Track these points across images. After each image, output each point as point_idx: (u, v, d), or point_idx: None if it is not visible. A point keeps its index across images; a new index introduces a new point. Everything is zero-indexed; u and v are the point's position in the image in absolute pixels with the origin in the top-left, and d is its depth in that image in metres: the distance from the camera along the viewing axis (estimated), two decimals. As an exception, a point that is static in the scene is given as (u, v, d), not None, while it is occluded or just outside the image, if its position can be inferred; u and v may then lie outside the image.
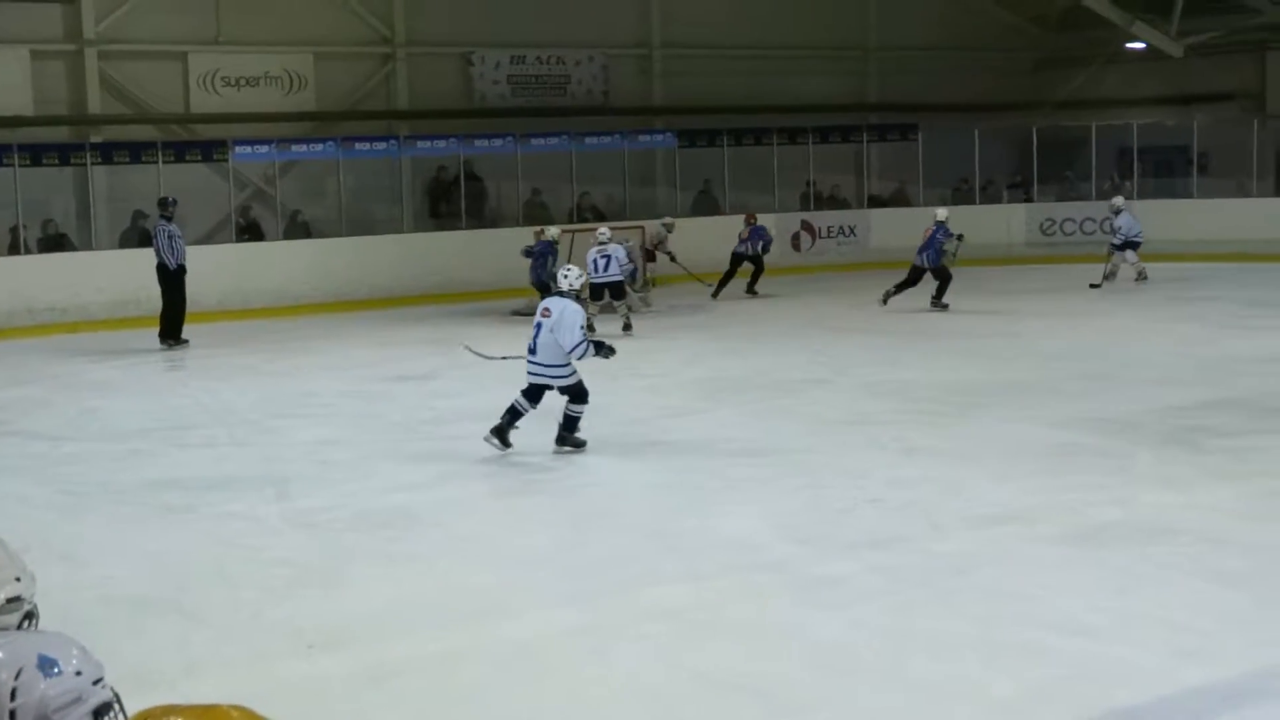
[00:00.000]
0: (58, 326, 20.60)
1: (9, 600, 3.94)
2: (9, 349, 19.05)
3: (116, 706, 3.38)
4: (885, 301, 20.47)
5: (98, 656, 3.42)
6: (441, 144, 25.49)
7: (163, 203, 19.02)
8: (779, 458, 11.39)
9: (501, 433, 11.55)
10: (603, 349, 11.79)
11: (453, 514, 9.98)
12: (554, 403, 11.76)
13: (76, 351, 18.63)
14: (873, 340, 18.14)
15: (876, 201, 29.55)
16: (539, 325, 11.55)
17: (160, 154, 22.60)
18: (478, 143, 25.66)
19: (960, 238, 20.94)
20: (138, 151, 22.79)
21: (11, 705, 3.26)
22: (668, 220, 24.23)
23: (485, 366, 16.60)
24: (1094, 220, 28.01)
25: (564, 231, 21.70)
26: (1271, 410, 12.61)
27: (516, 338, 18.78)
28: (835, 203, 29.02)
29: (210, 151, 23.47)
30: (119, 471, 11.58)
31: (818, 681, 6.71)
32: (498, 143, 25.70)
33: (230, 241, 23.69)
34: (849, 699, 6.54)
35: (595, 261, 18.85)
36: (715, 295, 23.02)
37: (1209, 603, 7.55)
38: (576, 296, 11.83)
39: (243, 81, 25.15)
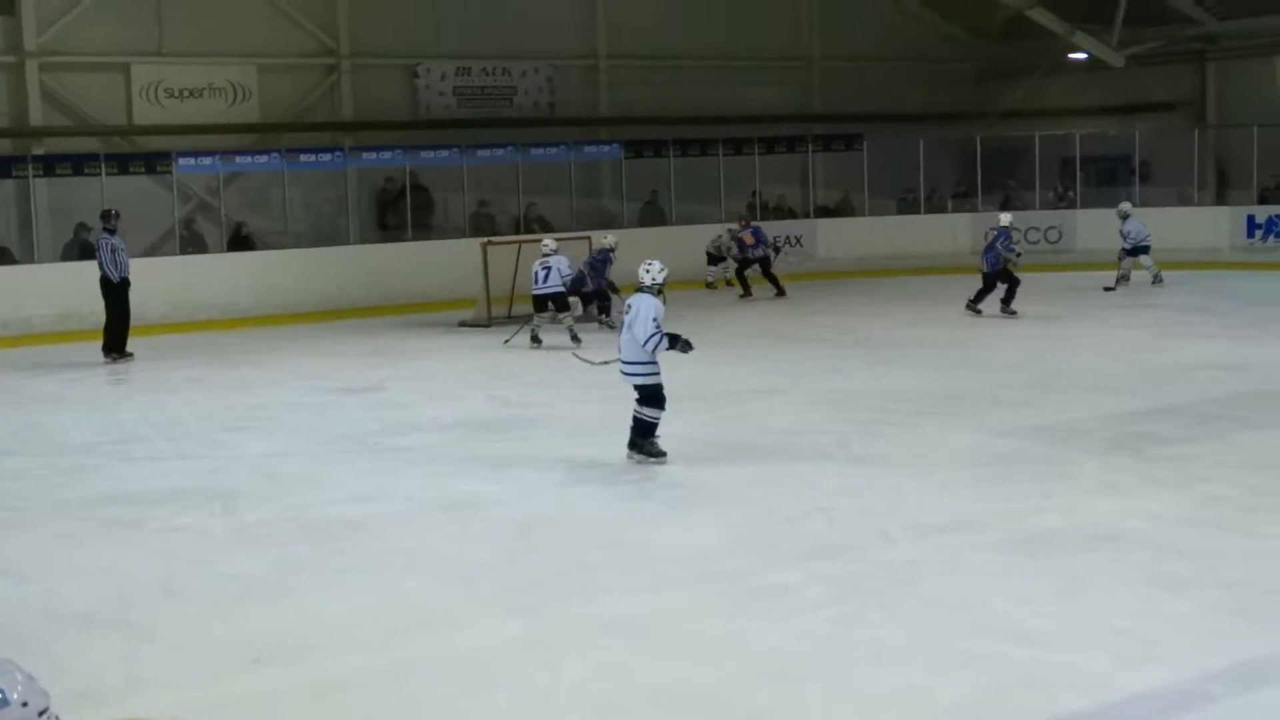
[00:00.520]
0: (0, 340, 20.42)
1: None
2: (-50, 363, 18.87)
3: None
4: (977, 311, 20.47)
5: (43, 678, 3.40)
6: (387, 155, 25.43)
7: (105, 215, 18.86)
8: (728, 468, 11.41)
9: (633, 444, 11.49)
10: (678, 342, 11.54)
11: (401, 526, 9.95)
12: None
13: (20, 365, 18.48)
14: (821, 350, 18.22)
15: (822, 211, 29.69)
16: (625, 322, 11.53)
17: (103, 166, 22.45)
18: (423, 154, 25.63)
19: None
20: (80, 164, 22.63)
21: None
22: (733, 227, 25.17)
23: (432, 379, 16.64)
24: (1038, 229, 28.23)
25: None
26: (1213, 417, 12.73)
27: (462, 349, 18.87)
28: (781, 213, 29.12)
29: (153, 163, 23.34)
30: (63, 486, 11.49)
31: (766, 691, 6.73)
32: (443, 154, 25.67)
33: (174, 254, 23.59)
34: (797, 708, 6.57)
35: (536, 273, 18.84)
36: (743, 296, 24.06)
37: (1152, 609, 7.62)
38: (658, 291, 11.67)
39: (186, 93, 25.03)
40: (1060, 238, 28.23)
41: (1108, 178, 30.25)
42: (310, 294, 23.29)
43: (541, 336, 18.58)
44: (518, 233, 24.76)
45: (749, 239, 24.41)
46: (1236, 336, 17.76)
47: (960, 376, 15.55)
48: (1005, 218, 21.50)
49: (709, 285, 25.63)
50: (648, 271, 11.75)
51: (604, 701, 6.69)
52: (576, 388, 15.67)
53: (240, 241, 24.29)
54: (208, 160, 23.87)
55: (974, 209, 29.24)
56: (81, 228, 22.42)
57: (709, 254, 25.81)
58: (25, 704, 3.30)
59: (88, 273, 19.10)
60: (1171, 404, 13.18)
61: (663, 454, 11.49)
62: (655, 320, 11.31)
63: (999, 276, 20.39)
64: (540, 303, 18.73)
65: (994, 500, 10.06)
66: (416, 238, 25.29)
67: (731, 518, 9.86)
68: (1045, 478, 10.72)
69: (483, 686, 6.90)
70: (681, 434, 12.88)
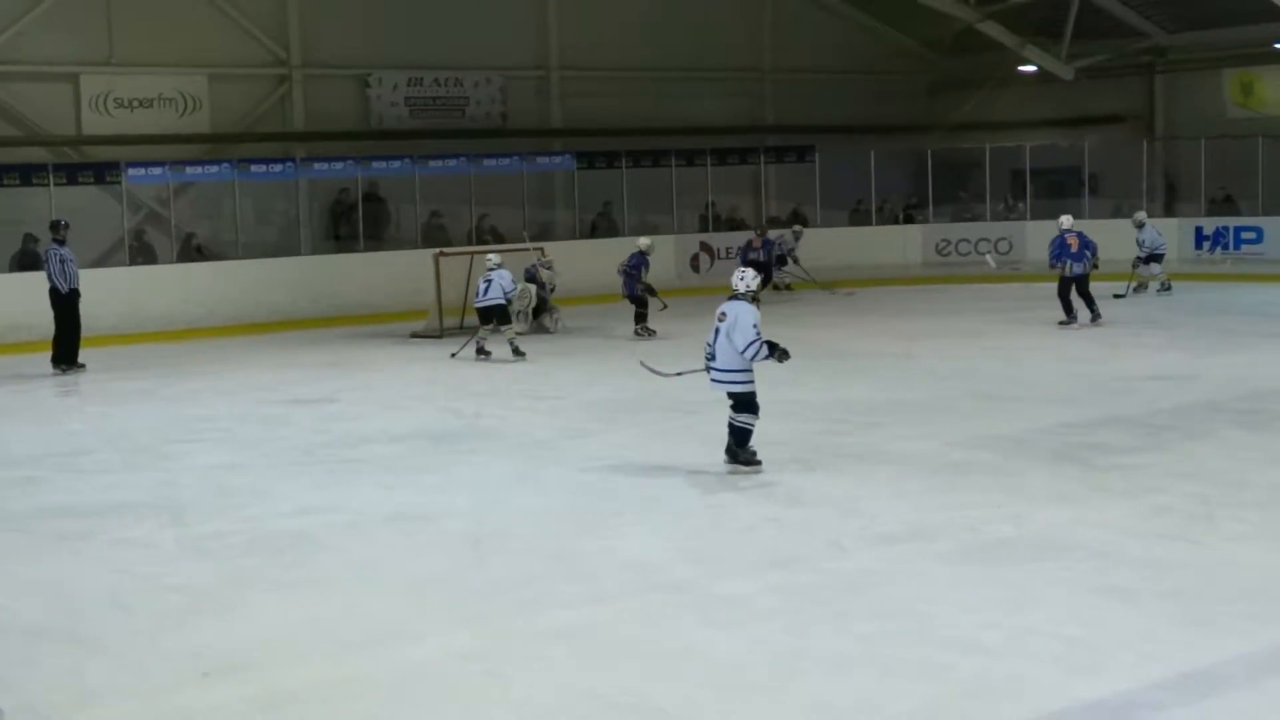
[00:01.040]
0: (-51, 351, 20.26)
1: None
2: (-104, 375, 18.68)
3: None
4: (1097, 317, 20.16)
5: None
6: (339, 166, 25.37)
7: (54, 225, 18.71)
8: (678, 478, 11.42)
9: (730, 450, 11.45)
10: (776, 350, 11.45)
11: (351, 538, 9.90)
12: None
13: (-34, 377, 18.31)
14: (770, 361, 18.18)
15: (775, 222, 29.76)
16: (716, 330, 11.41)
17: (51, 176, 22.31)
18: (375, 164, 25.59)
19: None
20: (28, 174, 22.47)
21: None
22: (797, 228, 25.99)
23: (384, 390, 16.59)
24: (989, 240, 28.41)
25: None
26: (1160, 427, 12.82)
27: (413, 361, 18.81)
28: (734, 224, 29.20)
29: (103, 173, 23.20)
30: (11, 499, 11.39)
31: (716, 701, 6.73)
32: (395, 164, 25.63)
33: (124, 264, 23.43)
34: (747, 718, 6.57)
35: (479, 286, 18.77)
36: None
37: (1100, 618, 7.66)
38: (753, 298, 11.60)
39: (136, 103, 24.91)
40: (1010, 249, 28.40)
41: (1057, 189, 30.50)
42: (261, 305, 23.19)
43: (489, 348, 18.53)
44: (470, 244, 24.74)
45: (756, 244, 25.19)
46: (1185, 348, 17.90)
47: (912, 387, 15.60)
48: (1066, 220, 20.81)
49: (788, 288, 25.90)
50: (741, 279, 11.62)
51: (553, 713, 6.67)
52: (528, 399, 15.69)
53: (191, 252, 24.18)
54: (158, 171, 23.73)
55: (925, 220, 29.40)
56: (30, 238, 22.24)
57: (779, 258, 25.96)
58: None
59: (36, 284, 18.95)
60: (1120, 415, 13.26)
61: (759, 462, 11.43)
62: (756, 327, 11.26)
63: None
64: (484, 315, 18.69)
65: (945, 510, 10.10)
66: (369, 248, 25.22)
67: (683, 528, 9.86)
68: (995, 488, 10.78)
69: (434, 699, 6.88)
70: (633, 444, 12.92)
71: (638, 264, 20.77)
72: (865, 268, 27.76)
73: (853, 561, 8.93)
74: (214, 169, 24.35)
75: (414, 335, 21.17)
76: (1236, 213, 27.69)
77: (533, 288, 20.95)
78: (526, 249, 21.90)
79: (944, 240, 28.81)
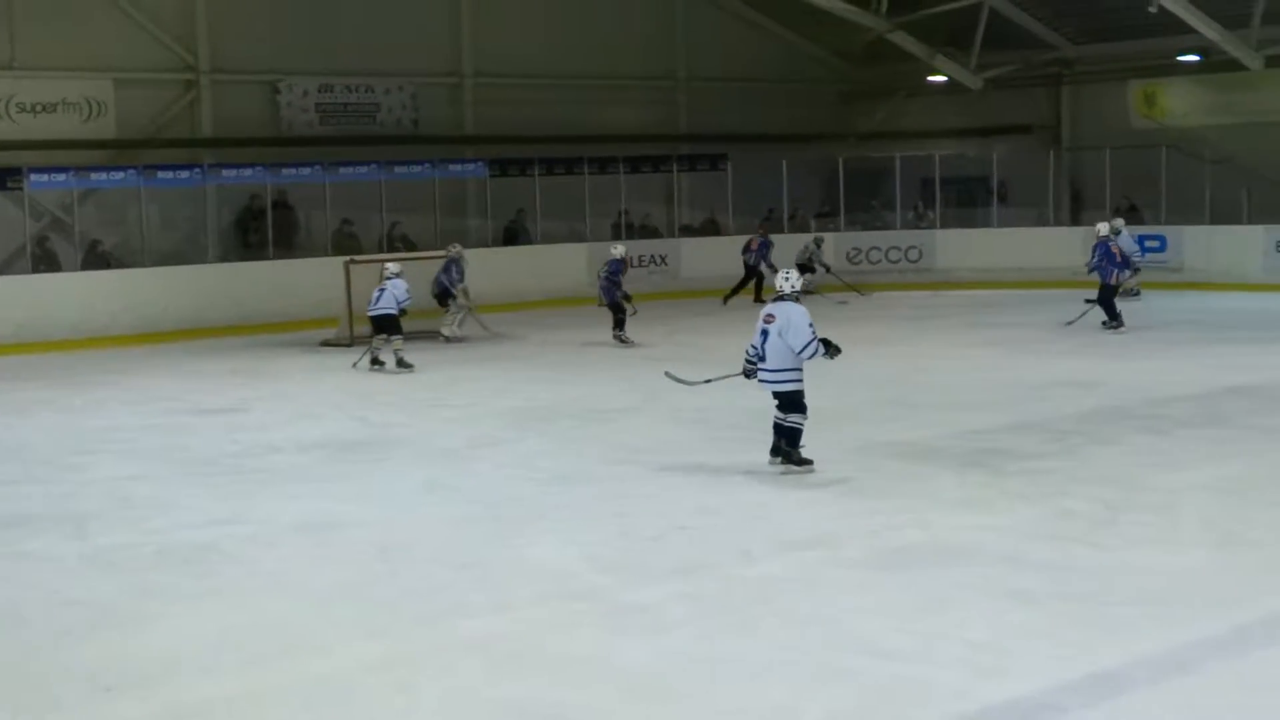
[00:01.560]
0: None
1: None
2: None
3: None
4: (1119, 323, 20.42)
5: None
6: (248, 173, 25.09)
7: (-46, 233, 18.40)
8: (589, 486, 11.41)
9: (778, 449, 11.58)
10: (830, 348, 11.57)
11: (259, 549, 9.80)
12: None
13: None
14: (682, 368, 18.16)
15: (687, 230, 29.84)
16: (765, 332, 11.45)
17: (-50, 183, 21.92)
18: (285, 172, 25.32)
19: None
20: (-72, 180, 22.08)
21: None
22: (819, 235, 26.41)
23: (293, 399, 16.45)
24: (899, 249, 28.63)
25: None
26: (1065, 432, 12.97)
27: (323, 369, 18.66)
28: (647, 232, 29.20)
29: (4, 180, 22.81)
30: (-92, 511, 11.18)
31: (627, 710, 6.72)
32: (306, 171, 25.40)
33: (26, 272, 23.06)
34: (657, 726, 6.58)
35: (373, 295, 18.61)
36: (725, 302, 25.20)
37: (1007, 621, 7.73)
38: (796, 299, 11.65)
39: (39, 108, 24.49)
40: (920, 257, 28.65)
41: (966, 198, 30.78)
42: (168, 313, 22.89)
43: (383, 359, 18.38)
44: (381, 251, 24.58)
45: (753, 245, 25.83)
46: (1090, 354, 18.12)
47: (820, 394, 15.51)
48: (1104, 228, 21.24)
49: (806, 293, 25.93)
50: (786, 279, 11.73)
51: (463, 723, 6.64)
52: (439, 408, 15.63)
53: (96, 260, 23.81)
54: (61, 177, 23.38)
55: (837, 228, 29.57)
56: (-72, 246, 21.87)
57: (799, 265, 25.91)
58: None
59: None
60: (1027, 420, 13.39)
61: (809, 461, 11.48)
62: (812, 327, 11.37)
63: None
64: (376, 325, 18.55)
65: (853, 516, 10.16)
66: (278, 256, 24.96)
67: (592, 536, 9.84)
68: (904, 494, 10.85)
69: (342, 711, 6.82)
70: (541, 452, 12.89)
71: (616, 270, 20.61)
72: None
73: (762, 568, 8.95)
74: (119, 175, 23.99)
75: (324, 344, 21.01)
76: (1141, 222, 28.01)
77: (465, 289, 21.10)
78: (435, 257, 21.82)
79: (855, 248, 28.97)
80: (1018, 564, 8.82)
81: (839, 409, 14.59)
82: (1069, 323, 20.65)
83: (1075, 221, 29.35)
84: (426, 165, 26.73)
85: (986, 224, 29.42)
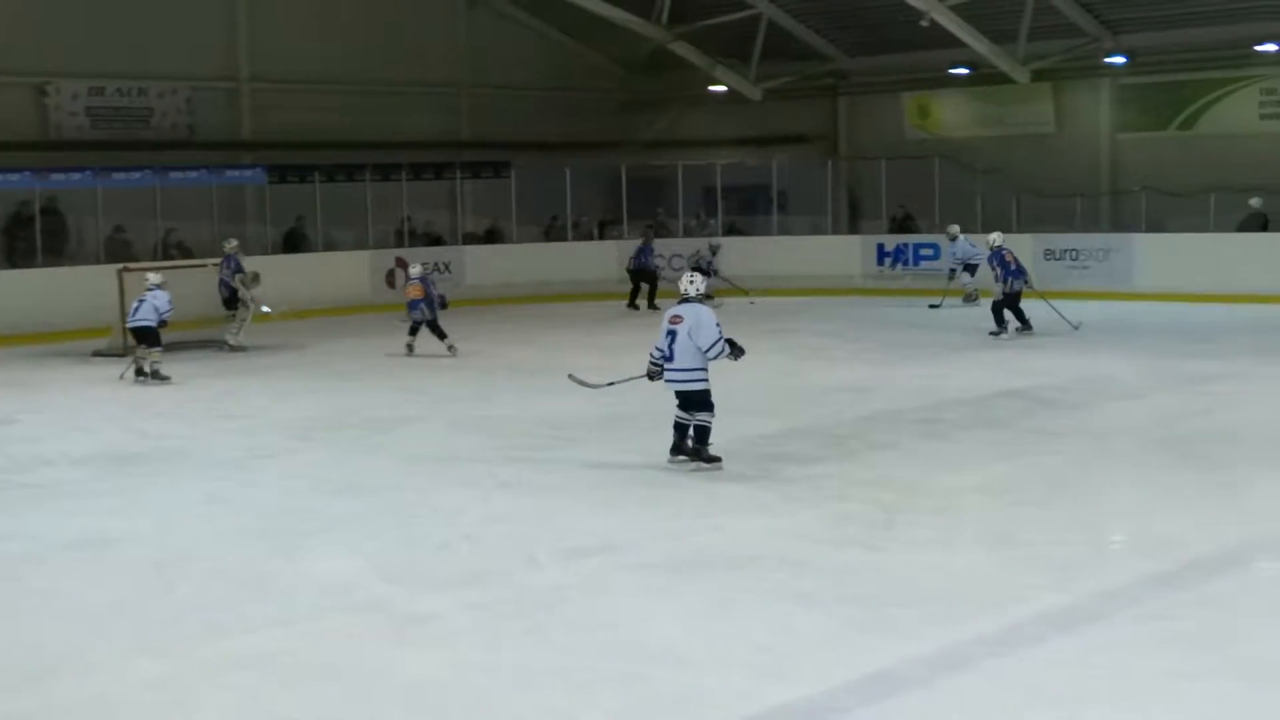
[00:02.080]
0: None
1: None
2: None
3: None
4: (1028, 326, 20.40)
5: None
6: (14, 178, 24.27)
7: None
8: (372, 496, 11.29)
9: (678, 448, 11.82)
10: (735, 349, 11.79)
11: (27, 565, 9.49)
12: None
13: None
14: (466, 376, 18.20)
15: (471, 238, 29.73)
16: (672, 333, 11.69)
17: None
18: (54, 177, 24.58)
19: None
20: None
21: None
22: (714, 242, 26.44)
23: (64, 411, 15.97)
24: (681, 256, 28.87)
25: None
26: (844, 436, 13.23)
27: (96, 380, 18.14)
28: (430, 239, 29.04)
29: None
30: None
31: (412, 721, 6.68)
32: (76, 176, 24.67)
33: None
34: (443, 737, 6.54)
35: (131, 306, 18.15)
36: (630, 306, 25.39)
37: (790, 624, 7.85)
38: (701, 301, 11.93)
39: None
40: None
41: (748, 207, 31.23)
42: (-70, 324, 22.05)
43: (147, 369, 17.95)
44: (156, 259, 24.02)
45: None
46: (867, 360, 18.51)
47: (608, 401, 15.70)
48: (996, 237, 21.17)
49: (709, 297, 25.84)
50: (691, 282, 12.02)
51: (244, 740, 6.52)
52: (217, 419, 15.32)
53: None
54: None
55: (620, 236, 29.73)
56: None
57: (693, 269, 25.80)
58: None
59: None
60: (808, 425, 13.64)
61: (718, 459, 11.64)
62: (719, 327, 11.66)
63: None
64: (136, 336, 18.09)
65: (641, 522, 10.22)
66: (47, 264, 24.19)
67: (377, 546, 9.74)
68: (691, 499, 10.97)
69: (115, 730, 6.65)
70: (324, 462, 12.73)
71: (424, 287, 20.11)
72: (562, 283, 27.95)
73: (549, 576, 8.96)
74: (-124, 180, 23.05)
75: (96, 354, 20.41)
76: (915, 230, 28.77)
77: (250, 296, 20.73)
78: (212, 264, 21.40)
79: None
80: (800, 567, 8.97)
81: (628, 414, 14.69)
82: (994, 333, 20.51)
83: (853, 230, 30.02)
84: (203, 171, 26.21)
85: (767, 232, 29.88)
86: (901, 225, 29.08)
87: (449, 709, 6.80)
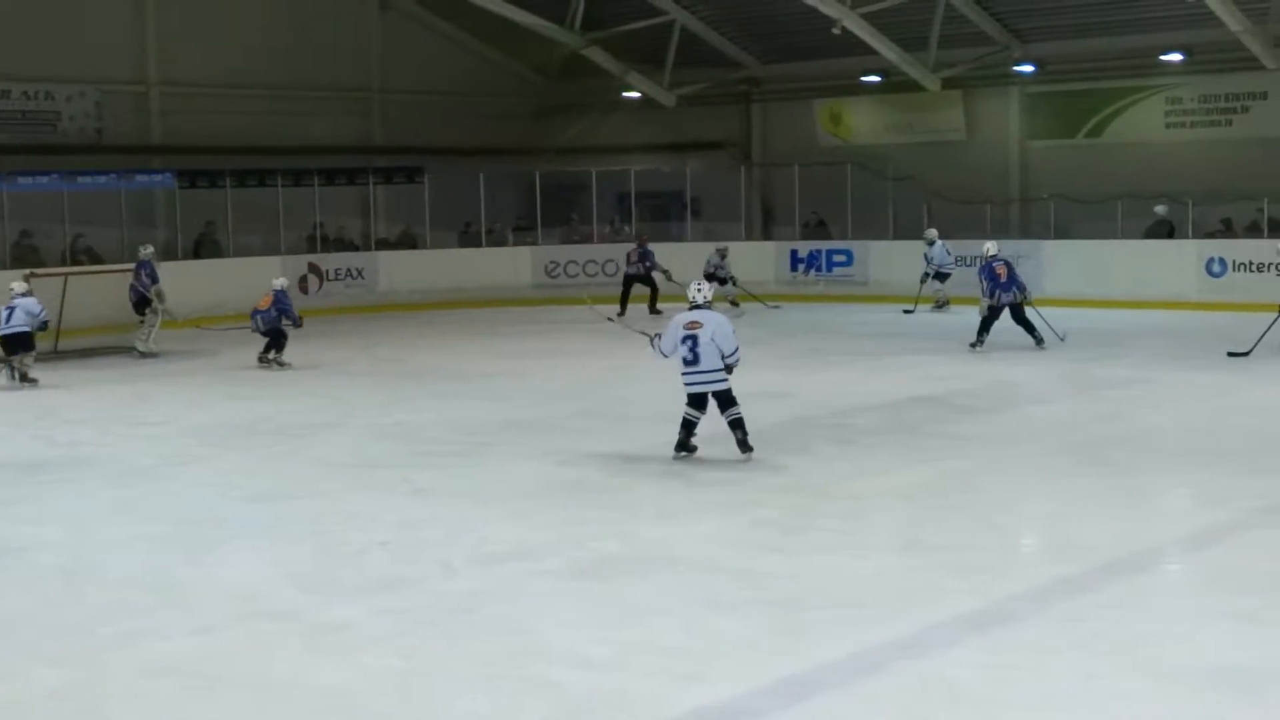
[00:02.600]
0: None
1: None
2: None
3: None
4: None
5: None
6: (-85, 183, 23.91)
7: None
8: (286, 504, 11.21)
9: (685, 445, 12.35)
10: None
11: (-69, 575, 9.36)
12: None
13: None
14: (381, 383, 18.13)
15: (384, 244, 29.58)
16: (695, 338, 12.23)
17: None
18: (-42, 181, 24.21)
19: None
20: None
21: None
22: (721, 247, 26.03)
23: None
24: (597, 262, 28.93)
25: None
26: (760, 443, 13.20)
27: (2, 387, 17.91)
28: (343, 245, 28.88)
29: None
30: None
31: (326, 729, 6.64)
32: (-20, 181, 24.32)
33: None
34: (358, 745, 6.51)
35: (1, 314, 17.92)
36: (621, 315, 23.59)
37: (704, 629, 7.88)
38: (709, 307, 12.54)
39: None
40: (618, 270, 28.91)
41: (662, 213, 31.29)
42: None
43: (33, 376, 17.74)
44: (64, 264, 23.71)
45: (633, 257, 25.76)
46: (781, 366, 18.59)
47: (523, 406, 15.74)
48: (991, 246, 20.41)
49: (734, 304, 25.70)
50: (699, 290, 12.68)
51: (156, 750, 6.45)
52: (128, 425, 15.17)
53: None
54: None
55: (535, 242, 29.72)
56: None
57: (706, 276, 25.60)
58: None
59: None
60: (721, 431, 13.63)
61: (752, 448, 12.33)
62: (735, 332, 12.44)
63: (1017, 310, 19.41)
64: (9, 344, 17.86)
65: (554, 528, 10.22)
66: (-50, 270, 23.83)
67: (291, 554, 9.68)
68: (605, 504, 10.99)
69: (23, 742, 6.56)
70: (238, 469, 12.63)
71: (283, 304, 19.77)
72: (475, 289, 27.89)
73: (464, 582, 8.94)
74: None
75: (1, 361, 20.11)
76: (828, 236, 28.97)
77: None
78: (121, 270, 21.15)
79: (553, 262, 29.17)
80: (713, 572, 9.00)
81: (542, 420, 14.72)
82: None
83: (767, 236, 30.16)
84: (112, 175, 25.88)
85: (681, 238, 29.96)
86: (814, 231, 29.26)
87: (362, 717, 6.76)
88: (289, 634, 7.96)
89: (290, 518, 10.74)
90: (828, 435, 13.75)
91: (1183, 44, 25.59)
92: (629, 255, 26.11)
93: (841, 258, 28.09)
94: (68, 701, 7.00)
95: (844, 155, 29.40)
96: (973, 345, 19.41)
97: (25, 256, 24.19)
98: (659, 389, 16.46)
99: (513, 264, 28.97)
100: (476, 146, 31.15)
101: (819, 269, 28.36)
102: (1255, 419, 14.53)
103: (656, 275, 25.48)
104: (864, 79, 29.07)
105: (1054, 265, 25.38)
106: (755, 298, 26.19)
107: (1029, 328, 19.32)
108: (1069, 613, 8.12)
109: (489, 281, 28.22)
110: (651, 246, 26.18)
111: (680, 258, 28.07)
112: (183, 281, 22.78)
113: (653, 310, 24.77)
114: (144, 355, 20.42)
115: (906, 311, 24.48)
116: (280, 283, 19.91)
